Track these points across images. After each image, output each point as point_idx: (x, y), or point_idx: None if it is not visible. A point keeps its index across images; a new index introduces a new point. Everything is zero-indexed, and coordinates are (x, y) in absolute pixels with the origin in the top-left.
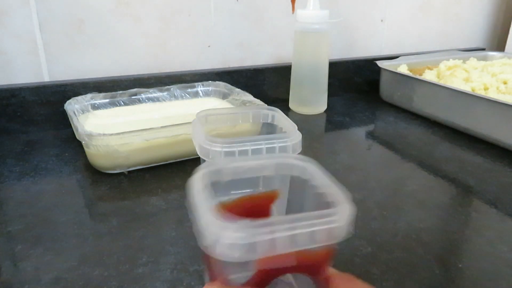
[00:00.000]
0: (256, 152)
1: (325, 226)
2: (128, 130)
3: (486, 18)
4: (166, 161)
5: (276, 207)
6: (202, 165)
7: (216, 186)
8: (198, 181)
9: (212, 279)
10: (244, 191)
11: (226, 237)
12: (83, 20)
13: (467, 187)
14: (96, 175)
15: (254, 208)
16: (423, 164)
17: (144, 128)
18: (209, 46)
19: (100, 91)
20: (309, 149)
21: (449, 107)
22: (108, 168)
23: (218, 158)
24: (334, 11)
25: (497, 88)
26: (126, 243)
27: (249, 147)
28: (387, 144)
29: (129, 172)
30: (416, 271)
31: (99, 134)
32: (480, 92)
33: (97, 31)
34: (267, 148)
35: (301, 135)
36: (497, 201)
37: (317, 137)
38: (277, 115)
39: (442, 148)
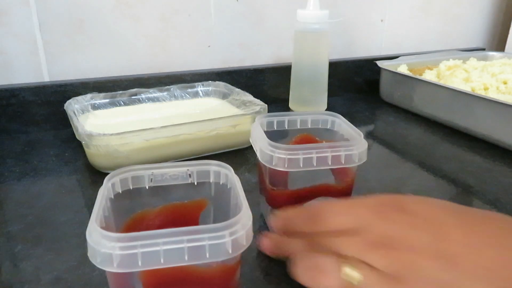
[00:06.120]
0: (320, 160)
1: (210, 242)
2: (128, 130)
3: (486, 18)
4: (166, 161)
5: (205, 216)
6: (115, 172)
7: (140, 192)
8: (103, 191)
9: None
10: (176, 197)
11: (104, 247)
12: (83, 20)
13: (467, 187)
14: (96, 175)
15: (181, 217)
16: (423, 164)
17: (144, 128)
18: (209, 46)
19: (100, 91)
20: None
21: (449, 107)
22: (108, 168)
23: (137, 166)
24: (334, 11)
25: (497, 88)
26: None
27: (314, 154)
28: (387, 144)
29: None
30: None
31: (99, 134)
32: (480, 92)
33: (97, 31)
34: (332, 156)
35: (367, 143)
36: (497, 201)
37: None
38: (338, 121)
39: (442, 148)
